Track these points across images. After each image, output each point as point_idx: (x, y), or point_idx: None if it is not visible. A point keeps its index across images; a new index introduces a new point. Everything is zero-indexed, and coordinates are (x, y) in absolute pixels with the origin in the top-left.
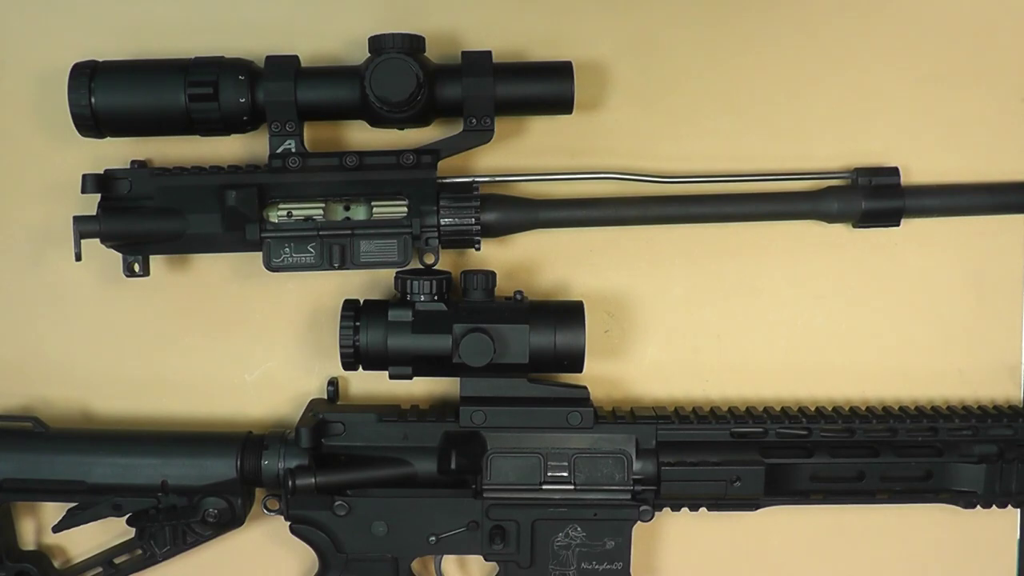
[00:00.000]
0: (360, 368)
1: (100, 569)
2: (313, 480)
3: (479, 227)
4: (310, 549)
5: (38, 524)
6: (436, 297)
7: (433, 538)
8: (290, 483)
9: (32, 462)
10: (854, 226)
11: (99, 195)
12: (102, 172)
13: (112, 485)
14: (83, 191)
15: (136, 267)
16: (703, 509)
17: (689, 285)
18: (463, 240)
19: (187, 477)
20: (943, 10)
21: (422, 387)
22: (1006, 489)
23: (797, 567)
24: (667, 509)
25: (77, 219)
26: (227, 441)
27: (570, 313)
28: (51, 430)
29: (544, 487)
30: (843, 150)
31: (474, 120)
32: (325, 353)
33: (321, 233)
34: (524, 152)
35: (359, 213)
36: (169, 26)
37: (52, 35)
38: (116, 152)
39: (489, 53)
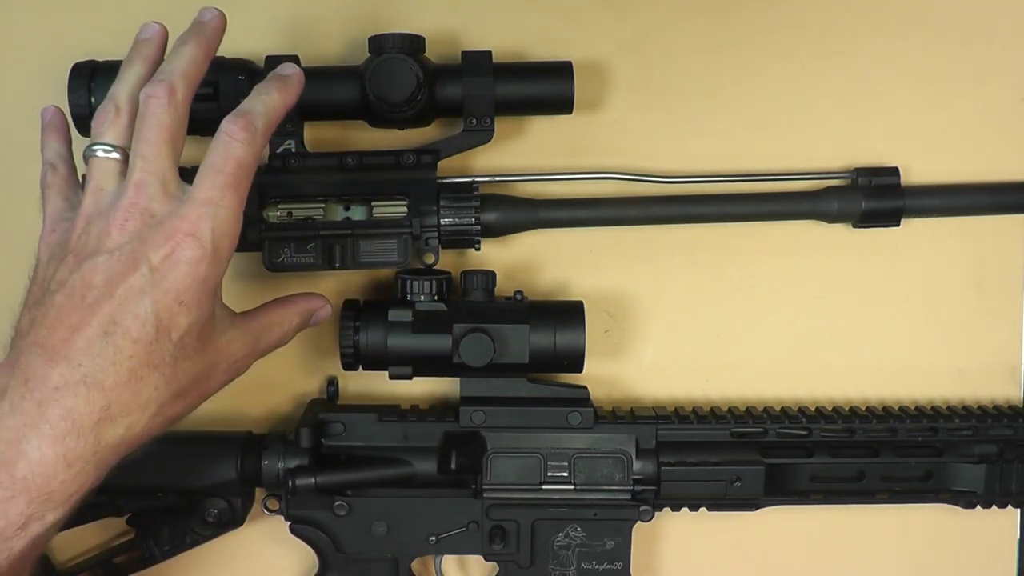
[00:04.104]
0: (360, 368)
1: (100, 569)
2: (313, 480)
3: (479, 227)
4: (310, 549)
5: None
6: (436, 297)
7: (433, 538)
8: (290, 483)
9: None
10: (854, 226)
11: None
12: None
13: (112, 485)
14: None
15: None
16: (703, 509)
17: (689, 285)
18: (463, 240)
19: (187, 477)
20: (943, 10)
21: (422, 387)
22: (1006, 489)
23: (797, 567)
24: (667, 509)
25: None
26: (227, 441)
27: (570, 313)
28: None
29: (544, 487)
30: (843, 150)
31: (474, 120)
32: (325, 353)
33: (321, 233)
34: (524, 152)
35: (359, 213)
36: (169, 26)
37: (52, 35)
38: None
39: (489, 53)
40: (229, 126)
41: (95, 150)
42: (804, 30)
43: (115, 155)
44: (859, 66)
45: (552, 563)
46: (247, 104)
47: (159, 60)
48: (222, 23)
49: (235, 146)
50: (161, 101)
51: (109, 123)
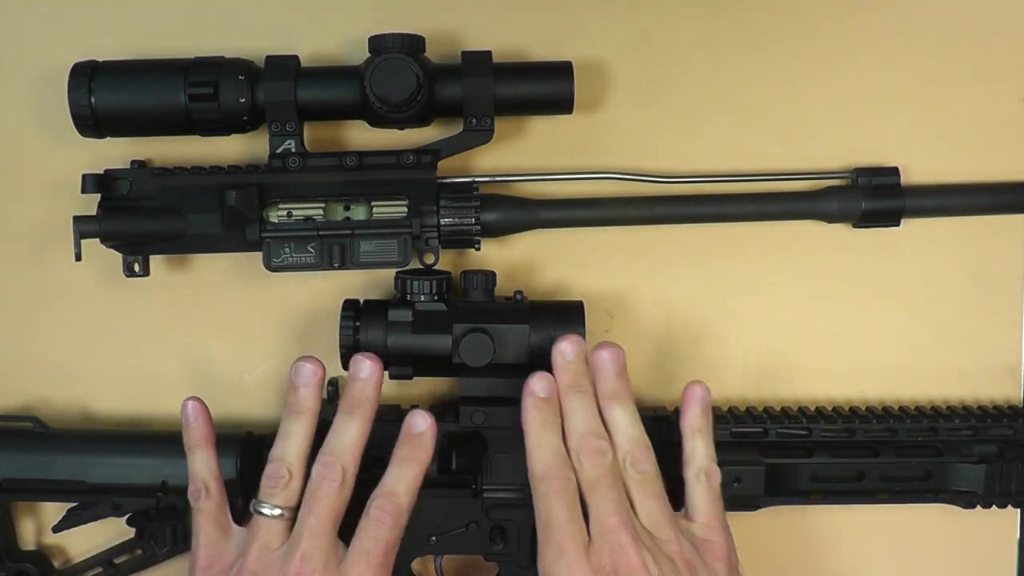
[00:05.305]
0: None
1: (100, 569)
2: None
3: (479, 227)
4: None
5: (38, 524)
6: (436, 297)
7: (433, 538)
8: None
9: (32, 462)
10: (854, 226)
11: (99, 195)
12: (102, 172)
13: (112, 485)
14: (83, 191)
15: (136, 267)
16: None
17: (689, 285)
18: (463, 240)
19: (187, 477)
20: (943, 10)
21: (422, 387)
22: (1006, 489)
23: (797, 567)
24: None
25: (77, 219)
26: (227, 441)
27: (570, 313)
28: (51, 430)
29: None
30: (843, 150)
31: (474, 120)
32: (325, 353)
33: (321, 233)
34: (524, 152)
35: (359, 213)
36: (169, 26)
37: (52, 35)
38: (116, 152)
39: (489, 53)
40: (377, 511)
41: (263, 508)
42: (804, 30)
43: (283, 514)
44: (859, 66)
45: None
46: (391, 483)
47: (318, 408)
48: (379, 377)
49: (383, 530)
50: (334, 485)
51: (280, 488)
